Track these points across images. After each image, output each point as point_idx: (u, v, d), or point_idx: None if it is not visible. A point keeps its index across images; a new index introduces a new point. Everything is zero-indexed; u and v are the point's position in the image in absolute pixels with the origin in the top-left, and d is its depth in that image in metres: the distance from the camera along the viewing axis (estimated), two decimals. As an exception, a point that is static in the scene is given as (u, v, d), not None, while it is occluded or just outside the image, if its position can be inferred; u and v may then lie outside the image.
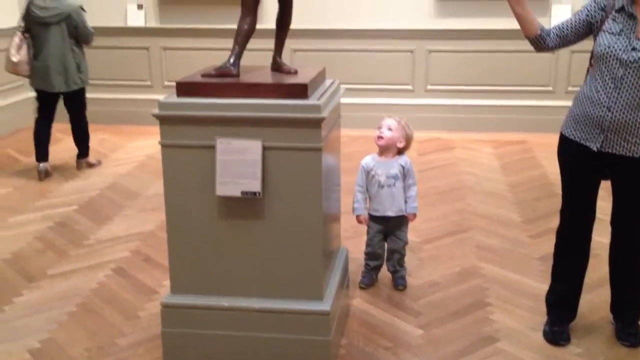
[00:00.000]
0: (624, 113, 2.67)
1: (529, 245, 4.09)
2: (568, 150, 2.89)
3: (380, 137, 3.45)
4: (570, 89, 6.42)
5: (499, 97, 6.66)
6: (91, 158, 5.66)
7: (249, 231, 2.75)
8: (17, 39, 5.14)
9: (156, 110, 2.69)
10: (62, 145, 6.08)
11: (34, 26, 5.16)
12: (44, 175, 5.33)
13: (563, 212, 3.03)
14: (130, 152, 6.12)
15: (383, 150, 3.47)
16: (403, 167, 3.46)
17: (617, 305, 3.11)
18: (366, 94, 6.72)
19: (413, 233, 4.27)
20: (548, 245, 4.03)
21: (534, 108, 6.54)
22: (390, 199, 3.44)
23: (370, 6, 6.59)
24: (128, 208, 4.77)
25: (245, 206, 2.72)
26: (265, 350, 2.79)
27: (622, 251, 2.99)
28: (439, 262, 3.87)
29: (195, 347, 2.82)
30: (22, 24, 5.22)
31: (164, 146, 2.73)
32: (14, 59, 5.11)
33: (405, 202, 3.48)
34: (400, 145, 3.47)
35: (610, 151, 2.75)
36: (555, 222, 3.78)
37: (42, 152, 5.36)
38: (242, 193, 2.68)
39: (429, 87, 6.76)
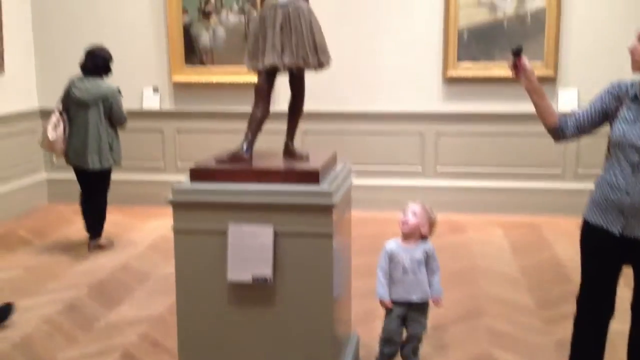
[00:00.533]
0: None
1: (543, 332, 4.02)
2: (591, 236, 2.89)
3: (404, 223, 3.41)
4: (579, 171, 6.46)
5: (509, 179, 6.70)
6: (102, 240, 5.69)
7: (259, 317, 2.74)
8: (54, 117, 5.36)
9: (170, 196, 2.73)
10: (74, 226, 6.12)
11: (72, 106, 5.40)
12: (93, 248, 5.58)
13: (581, 301, 3.00)
14: (142, 233, 6.14)
15: (407, 236, 3.43)
16: (427, 253, 3.42)
17: None
18: (377, 175, 6.78)
19: (425, 317, 4.22)
20: (563, 331, 3.97)
21: (543, 191, 6.56)
22: (415, 284, 3.38)
23: (380, 89, 6.73)
24: (138, 290, 4.75)
25: (256, 291, 2.72)
26: None
27: None
28: (451, 349, 3.80)
29: None
30: (60, 104, 5.43)
31: (176, 232, 2.75)
32: (51, 136, 5.31)
33: (430, 286, 3.42)
34: (424, 230, 3.43)
35: (631, 235, 2.75)
36: (569, 307, 3.73)
37: (90, 227, 5.59)
38: (254, 279, 2.68)
39: (439, 168, 6.82)
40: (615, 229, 2.77)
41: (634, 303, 2.92)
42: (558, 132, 2.90)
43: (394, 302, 3.42)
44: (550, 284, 4.78)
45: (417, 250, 3.40)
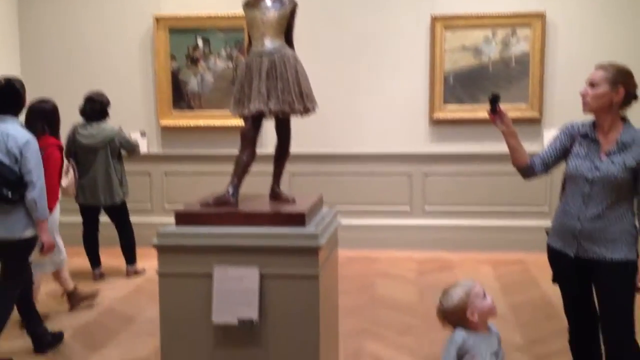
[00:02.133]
0: (590, 223, 3.01)
1: (533, 370, 4.01)
2: (553, 258, 3.23)
3: (491, 311, 2.73)
4: (565, 209, 6.52)
5: (496, 217, 6.75)
6: (138, 265, 6.09)
7: (245, 358, 2.72)
8: (64, 165, 5.35)
9: (155, 240, 2.73)
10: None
11: (79, 151, 5.78)
12: (99, 277, 5.97)
13: (566, 314, 3.29)
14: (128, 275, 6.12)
15: (480, 323, 2.70)
16: (497, 337, 2.76)
17: None
18: (365, 215, 6.81)
19: (415, 357, 4.20)
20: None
21: (531, 228, 6.59)
22: None
23: (367, 131, 6.80)
24: (123, 333, 4.70)
25: (241, 333, 2.71)
26: None
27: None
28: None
29: None
30: (67, 151, 5.53)
31: (161, 275, 2.75)
32: (64, 184, 5.33)
33: None
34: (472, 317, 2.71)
35: (584, 257, 3.05)
36: (559, 343, 3.74)
37: (94, 259, 6.00)
38: (239, 321, 2.67)
39: (427, 208, 6.86)
40: (570, 251, 3.09)
41: (600, 321, 3.11)
42: (529, 170, 3.21)
43: None
44: (540, 321, 4.78)
45: (494, 338, 2.72)
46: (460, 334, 2.65)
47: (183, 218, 2.80)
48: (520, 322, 4.79)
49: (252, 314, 2.66)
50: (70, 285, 5.15)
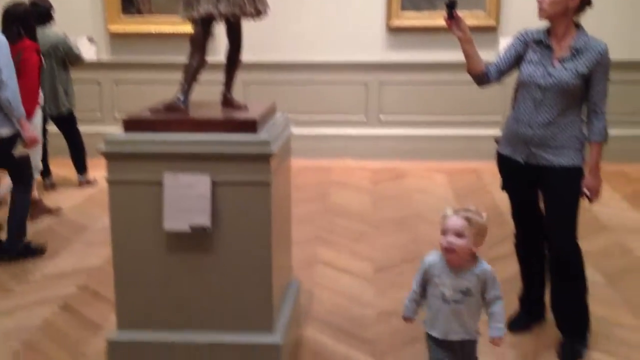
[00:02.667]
0: (541, 129, 3.06)
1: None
2: (501, 165, 3.31)
3: (449, 250, 2.49)
4: (518, 118, 6.59)
5: (451, 126, 6.80)
6: (89, 175, 6.00)
7: (198, 265, 2.74)
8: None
9: (102, 147, 2.67)
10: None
11: None
12: (50, 187, 5.91)
13: (513, 219, 3.41)
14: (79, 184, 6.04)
15: (456, 264, 2.53)
16: (481, 278, 2.52)
17: (558, 324, 3.30)
18: (320, 124, 6.79)
19: (367, 262, 4.30)
20: (500, 270, 4.07)
21: (484, 138, 6.66)
22: (455, 319, 2.53)
23: (324, 39, 6.67)
24: (76, 242, 4.69)
25: (194, 241, 2.70)
26: (216, 386, 2.76)
27: (555, 261, 3.22)
28: (394, 291, 3.89)
29: (144, 385, 2.78)
30: None
31: (110, 183, 2.70)
32: None
33: (490, 319, 2.56)
34: (476, 249, 2.52)
35: (534, 162, 3.12)
36: (505, 248, 3.86)
37: (44, 168, 5.79)
38: (191, 227, 2.67)
39: (382, 117, 6.86)
40: (520, 157, 3.15)
41: (545, 224, 3.22)
42: (483, 77, 3.22)
43: (432, 339, 2.60)
44: (489, 227, 4.88)
45: (467, 277, 2.51)
46: (432, 256, 2.58)
47: (132, 124, 2.72)
48: (470, 229, 4.90)
49: (204, 220, 2.65)
50: (35, 194, 5.07)
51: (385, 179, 6.26)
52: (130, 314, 2.78)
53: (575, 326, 3.25)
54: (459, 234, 2.46)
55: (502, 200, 5.48)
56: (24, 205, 4.40)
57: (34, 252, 4.41)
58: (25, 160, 4.39)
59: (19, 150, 4.28)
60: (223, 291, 2.74)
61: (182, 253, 2.72)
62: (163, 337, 2.76)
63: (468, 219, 2.49)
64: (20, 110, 4.10)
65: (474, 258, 2.53)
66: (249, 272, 2.73)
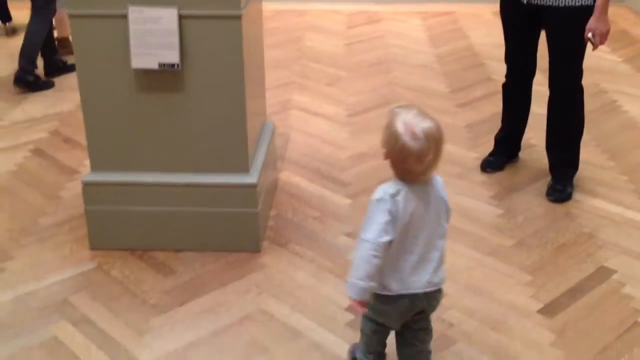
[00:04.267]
0: None
1: (455, 114, 4.13)
2: (504, 5, 3.21)
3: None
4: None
5: (428, -33, 6.54)
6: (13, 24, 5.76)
7: (169, 104, 2.66)
8: None
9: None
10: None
11: None
12: (11, 32, 5.71)
13: (507, 61, 3.34)
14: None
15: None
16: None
17: (551, 165, 3.32)
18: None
19: (342, 106, 4.27)
20: (474, 113, 4.13)
21: (462, -22, 6.46)
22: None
23: None
24: (46, 89, 4.55)
25: (163, 79, 2.61)
26: (193, 223, 2.79)
27: (555, 101, 3.19)
28: (367, 134, 3.88)
29: (121, 223, 2.79)
30: None
31: (72, 17, 2.56)
32: None
33: None
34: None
35: (537, 3, 2.99)
36: (480, 91, 3.83)
37: (3, 12, 5.69)
38: (160, 65, 2.57)
39: (357, -43, 6.55)
40: None
41: (549, 63, 3.13)
42: None
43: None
44: (465, 70, 4.85)
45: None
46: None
47: (90, -46, 2.54)
48: (445, 72, 4.85)
49: (173, 57, 2.55)
50: None
51: (360, 22, 6.08)
52: (103, 155, 2.73)
53: (566, 167, 3.27)
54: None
55: (478, 42, 5.42)
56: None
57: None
58: None
59: None
60: (197, 132, 2.69)
61: (152, 92, 2.64)
62: (139, 178, 2.74)
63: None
64: None
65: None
66: (222, 111, 2.66)
